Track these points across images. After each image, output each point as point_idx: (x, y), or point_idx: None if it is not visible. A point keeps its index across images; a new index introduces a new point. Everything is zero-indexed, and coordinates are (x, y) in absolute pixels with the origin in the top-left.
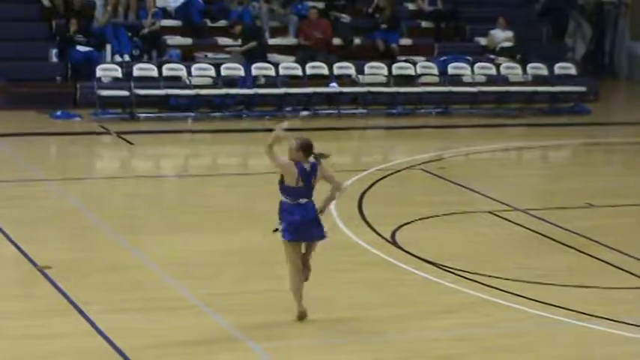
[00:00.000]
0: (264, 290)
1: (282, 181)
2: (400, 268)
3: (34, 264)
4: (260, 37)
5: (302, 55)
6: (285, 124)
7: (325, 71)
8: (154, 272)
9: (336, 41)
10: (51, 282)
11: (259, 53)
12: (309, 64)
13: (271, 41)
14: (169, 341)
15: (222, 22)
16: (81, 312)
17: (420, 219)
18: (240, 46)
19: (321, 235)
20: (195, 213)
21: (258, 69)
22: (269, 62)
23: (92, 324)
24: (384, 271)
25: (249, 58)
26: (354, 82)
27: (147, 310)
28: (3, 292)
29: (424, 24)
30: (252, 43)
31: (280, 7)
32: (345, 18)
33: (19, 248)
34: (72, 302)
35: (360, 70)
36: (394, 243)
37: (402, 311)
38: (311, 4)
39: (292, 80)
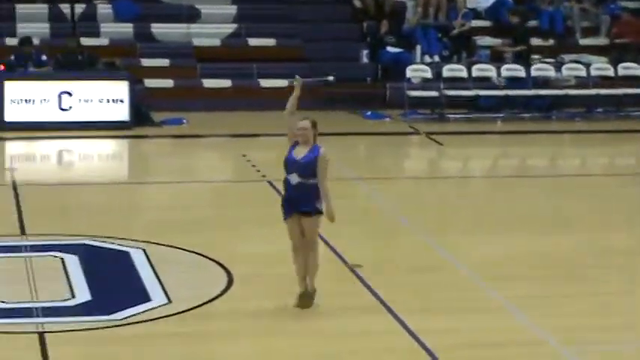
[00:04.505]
0: (574, 294)
1: None
2: None
3: (345, 262)
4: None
5: (614, 55)
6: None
7: (639, 72)
8: (461, 273)
9: None
10: (361, 280)
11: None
12: (621, 65)
13: (582, 41)
14: (477, 342)
15: (533, 23)
16: (390, 311)
17: None
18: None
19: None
20: (504, 214)
21: (568, 70)
22: (580, 62)
23: (401, 323)
24: None
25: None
26: None
27: (454, 310)
28: (317, 289)
29: None
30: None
31: (592, 6)
32: None
33: (330, 246)
34: (382, 301)
35: None
36: None
37: None
38: (624, 3)
39: (603, 81)
